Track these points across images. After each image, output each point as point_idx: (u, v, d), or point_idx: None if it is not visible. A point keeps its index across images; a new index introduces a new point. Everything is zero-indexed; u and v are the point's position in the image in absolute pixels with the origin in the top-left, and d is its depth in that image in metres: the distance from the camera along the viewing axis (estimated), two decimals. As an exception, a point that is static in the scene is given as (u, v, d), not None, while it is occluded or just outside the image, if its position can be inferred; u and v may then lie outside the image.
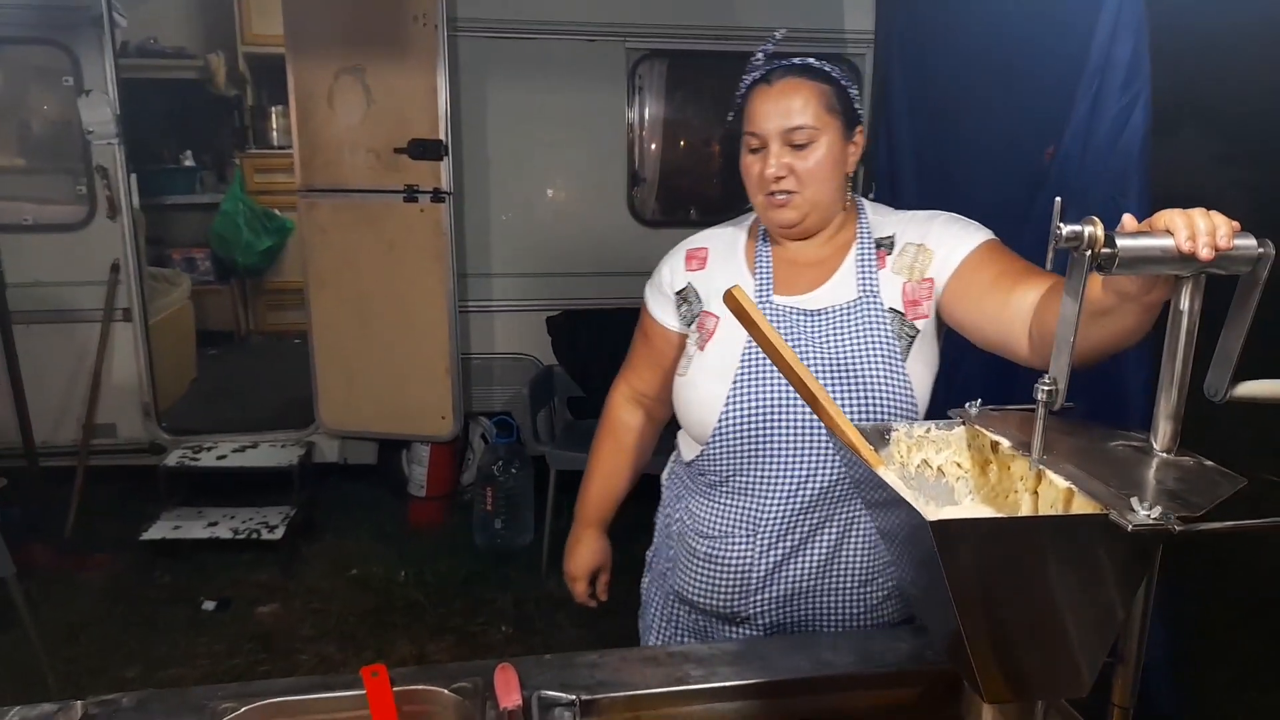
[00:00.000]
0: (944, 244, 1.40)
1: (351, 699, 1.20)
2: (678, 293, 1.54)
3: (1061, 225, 0.88)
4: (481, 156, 3.95)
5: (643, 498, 1.75)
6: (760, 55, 1.45)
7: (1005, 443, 1.00)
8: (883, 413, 1.37)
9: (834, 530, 1.45)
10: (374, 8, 3.53)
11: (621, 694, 1.21)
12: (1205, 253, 0.84)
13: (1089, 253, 0.88)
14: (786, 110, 1.39)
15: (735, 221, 1.59)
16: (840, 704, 1.27)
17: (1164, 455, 0.96)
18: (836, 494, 1.42)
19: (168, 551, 3.70)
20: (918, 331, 1.42)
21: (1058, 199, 0.87)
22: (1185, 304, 0.92)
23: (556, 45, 3.93)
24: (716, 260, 1.53)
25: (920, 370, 1.42)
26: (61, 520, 3.85)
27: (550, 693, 1.18)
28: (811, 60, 1.44)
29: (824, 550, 1.46)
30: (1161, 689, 2.15)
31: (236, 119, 6.01)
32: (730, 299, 1.02)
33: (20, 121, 4.12)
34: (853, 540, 1.46)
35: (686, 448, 1.57)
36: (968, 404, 1.07)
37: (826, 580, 1.47)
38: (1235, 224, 0.87)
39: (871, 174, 3.76)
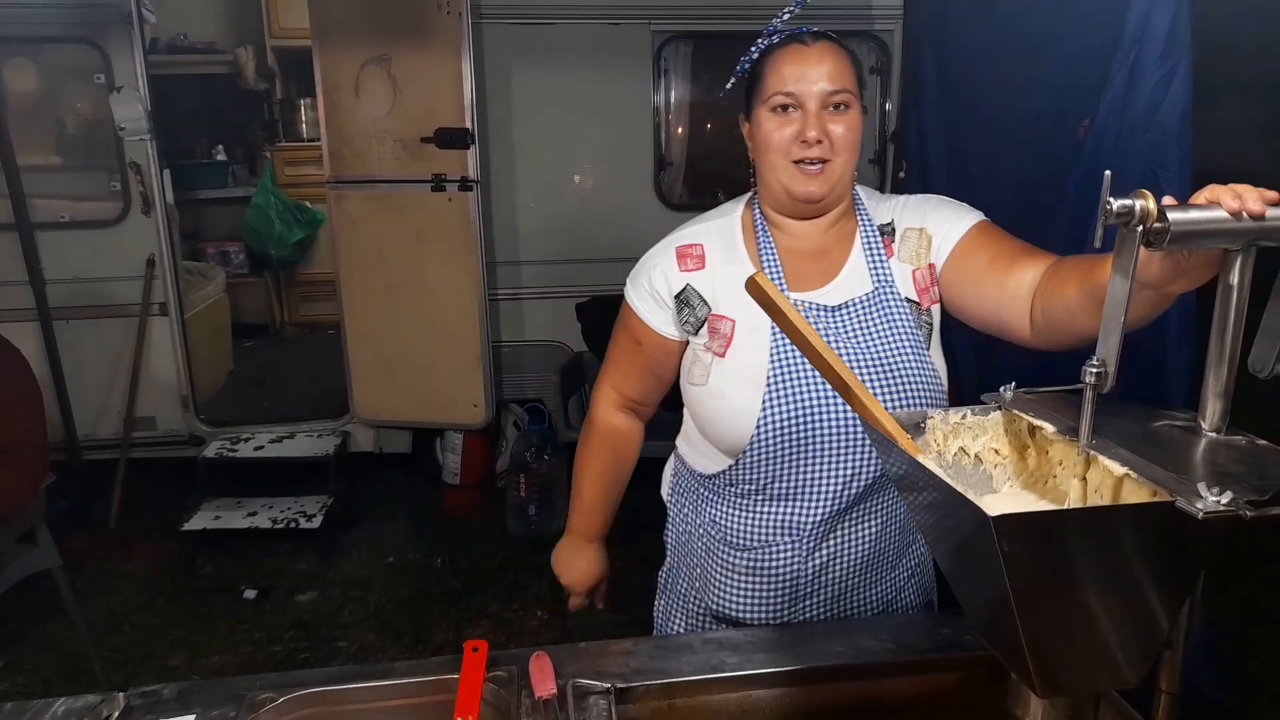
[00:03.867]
0: (940, 228, 1.37)
1: (387, 688, 1.21)
2: (676, 296, 1.42)
3: (1111, 200, 0.85)
4: (508, 144, 3.94)
5: (660, 482, 1.68)
6: (787, 15, 1.40)
7: (1049, 428, 0.97)
8: (917, 406, 1.34)
9: (876, 522, 1.42)
10: (398, -3, 3.54)
11: (656, 682, 1.21)
12: (1255, 205, 0.83)
13: (1140, 228, 0.86)
14: (830, 72, 1.32)
15: (720, 213, 1.48)
16: (878, 690, 1.26)
17: (1214, 435, 0.93)
18: (878, 485, 1.39)
19: (209, 541, 3.76)
20: (933, 320, 1.40)
21: (1107, 173, 0.84)
22: (1235, 278, 0.89)
23: (580, 29, 3.90)
24: (715, 257, 1.42)
25: (940, 360, 1.40)
26: (105, 512, 3.93)
27: (585, 681, 1.18)
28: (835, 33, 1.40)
29: (867, 544, 1.42)
30: (1204, 672, 2.11)
31: (266, 112, 6.05)
32: (753, 286, 1.00)
33: (54, 120, 4.17)
34: (891, 528, 1.43)
35: (706, 460, 1.48)
36: (1002, 388, 1.04)
37: (868, 573, 1.44)
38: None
39: (901, 152, 3.70)
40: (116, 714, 1.15)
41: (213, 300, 4.91)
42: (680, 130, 4.32)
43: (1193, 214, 0.86)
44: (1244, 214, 0.85)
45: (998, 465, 1.03)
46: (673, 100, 4.23)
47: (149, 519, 3.95)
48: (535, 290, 4.10)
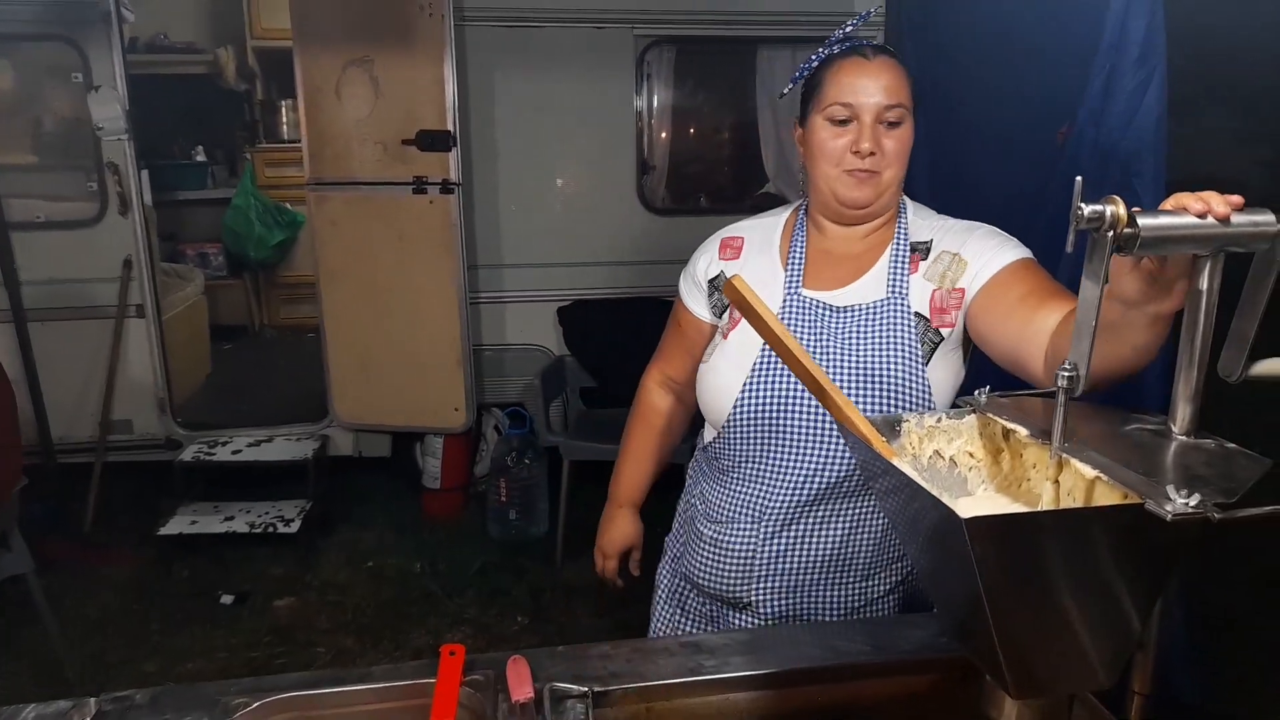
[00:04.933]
0: (980, 257, 1.38)
1: (362, 693, 1.20)
2: (710, 281, 1.54)
3: (1083, 205, 0.86)
4: (490, 147, 3.94)
5: (664, 486, 1.76)
6: (850, 27, 1.43)
7: (1022, 431, 0.98)
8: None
9: (842, 525, 1.44)
10: (380, -1, 3.53)
11: (634, 685, 1.21)
12: (1221, 209, 0.84)
13: (1110, 233, 0.87)
14: (887, 87, 1.36)
15: (774, 213, 1.58)
16: (854, 692, 1.26)
17: (1184, 438, 0.94)
18: (847, 489, 1.42)
19: (185, 546, 3.72)
20: (941, 339, 1.40)
21: (1078, 179, 0.85)
22: (1204, 283, 0.91)
23: (564, 33, 3.91)
24: (751, 250, 1.52)
25: (942, 377, 1.41)
26: (80, 516, 3.88)
27: (562, 684, 1.18)
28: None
29: (831, 544, 1.45)
30: (1182, 675, 2.13)
31: (246, 113, 6.02)
32: (730, 289, 1.01)
33: (31, 119, 4.12)
34: (861, 535, 1.45)
35: (706, 432, 1.58)
36: (976, 391, 1.05)
37: (831, 573, 1.47)
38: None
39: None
40: (88, 719, 1.14)
41: (191, 302, 4.87)
42: (663, 135, 4.34)
43: (1162, 219, 0.87)
44: (1210, 217, 0.86)
45: (972, 468, 1.04)
46: (655, 105, 4.25)
47: (124, 523, 3.91)
48: (517, 294, 4.10)
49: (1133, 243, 0.87)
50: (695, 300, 1.57)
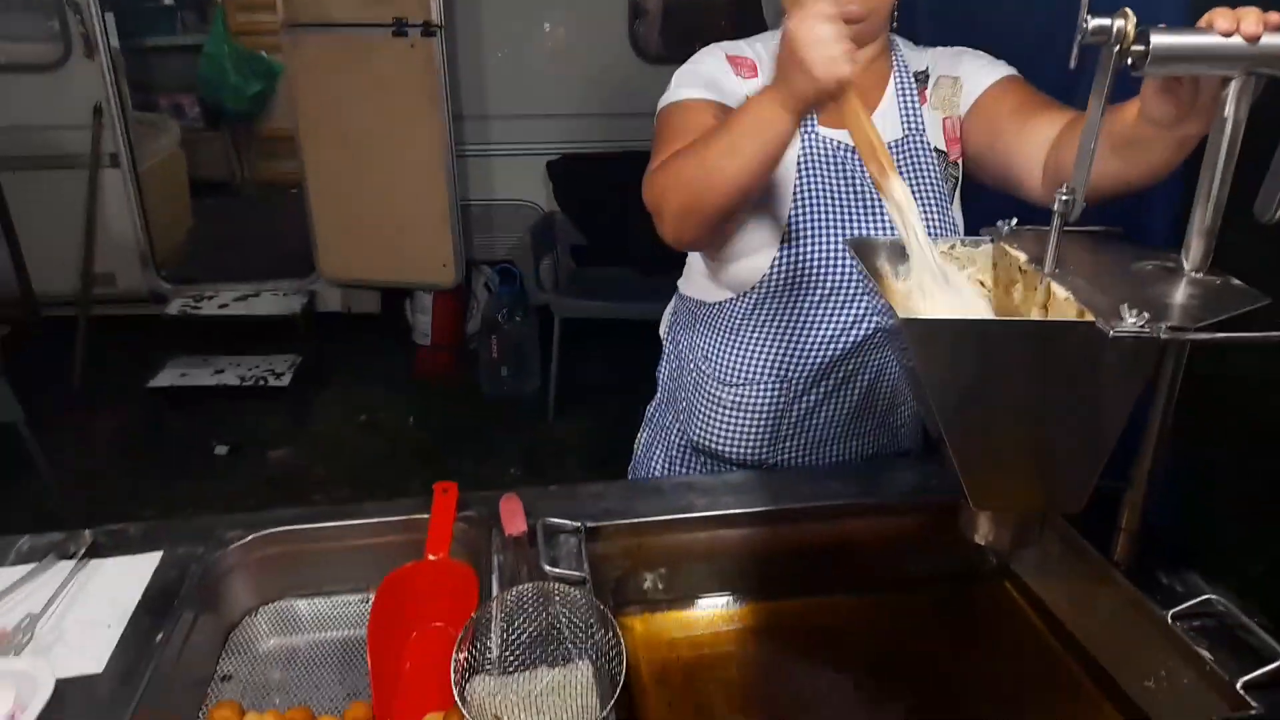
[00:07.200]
0: (972, 76, 1.33)
1: (357, 528, 1.21)
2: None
3: (1088, 18, 0.81)
4: (474, -14, 3.73)
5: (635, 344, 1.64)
6: None
7: (1022, 256, 0.96)
8: None
9: (867, 376, 1.39)
10: None
11: (626, 521, 1.22)
12: (1252, 28, 0.79)
13: (1117, 49, 0.82)
14: None
15: (762, 38, 1.39)
16: (844, 531, 1.28)
17: (1192, 274, 0.92)
18: (876, 340, 1.35)
19: (176, 399, 3.73)
20: (959, 174, 1.35)
21: None
22: (1229, 109, 0.86)
23: None
24: (763, 77, 1.32)
25: (960, 218, 1.36)
26: (68, 370, 3.87)
27: (555, 520, 1.19)
28: None
29: (856, 396, 1.40)
30: (1162, 507, 2.17)
31: (214, -48, 5.66)
32: None
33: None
34: (882, 384, 1.41)
35: (707, 292, 1.43)
36: (1000, 222, 1.02)
37: (855, 424, 1.43)
38: None
39: None
40: (83, 550, 1.15)
41: (168, 153, 4.70)
42: (657, -24, 4.11)
43: (1177, 37, 0.82)
44: (1237, 35, 0.81)
45: (983, 297, 1.02)
46: (649, -57, 4.01)
47: (114, 377, 3.90)
48: (504, 147, 3.97)
49: (1143, 60, 0.82)
50: (725, 95, 1.30)
